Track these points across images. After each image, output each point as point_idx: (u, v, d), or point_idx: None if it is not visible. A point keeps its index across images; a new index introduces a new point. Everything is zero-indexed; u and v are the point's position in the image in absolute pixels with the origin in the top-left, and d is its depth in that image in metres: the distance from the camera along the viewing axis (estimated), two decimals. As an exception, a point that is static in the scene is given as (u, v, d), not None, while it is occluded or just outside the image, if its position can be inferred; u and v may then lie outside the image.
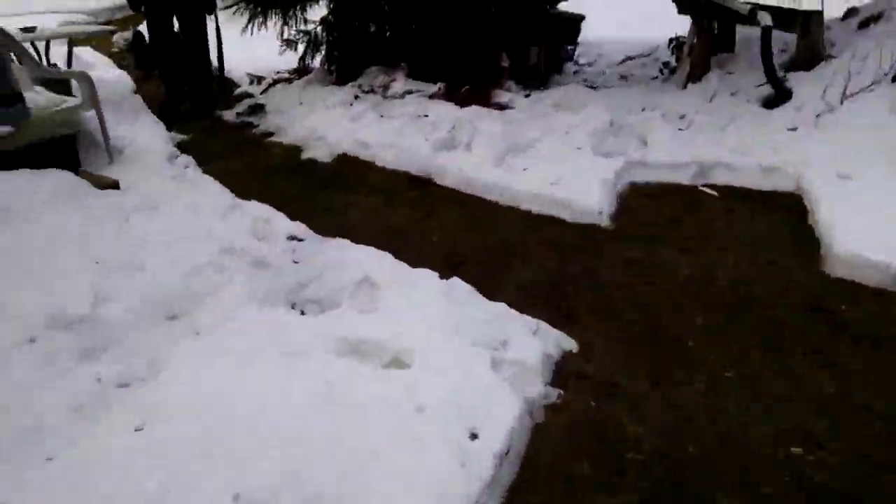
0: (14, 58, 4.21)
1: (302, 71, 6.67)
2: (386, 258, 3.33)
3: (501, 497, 2.06)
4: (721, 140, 4.44)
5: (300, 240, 3.64)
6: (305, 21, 6.44)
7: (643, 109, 5.11)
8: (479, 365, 2.45)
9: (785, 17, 4.99)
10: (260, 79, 6.98)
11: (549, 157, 4.41)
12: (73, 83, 5.55)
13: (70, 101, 4.67)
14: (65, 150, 4.05)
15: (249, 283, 3.15)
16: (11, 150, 3.84)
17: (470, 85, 5.58)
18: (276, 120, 5.79)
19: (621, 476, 2.12)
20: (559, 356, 2.66)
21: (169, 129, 5.70)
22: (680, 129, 4.71)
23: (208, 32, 6.20)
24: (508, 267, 3.39)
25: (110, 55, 8.33)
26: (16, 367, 2.56)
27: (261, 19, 6.21)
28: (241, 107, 6.15)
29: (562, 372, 2.57)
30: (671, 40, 6.12)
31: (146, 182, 4.29)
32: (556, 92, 5.53)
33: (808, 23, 4.95)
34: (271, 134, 5.60)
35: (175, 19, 6.02)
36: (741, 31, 5.58)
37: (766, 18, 4.62)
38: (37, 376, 2.53)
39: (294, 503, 1.93)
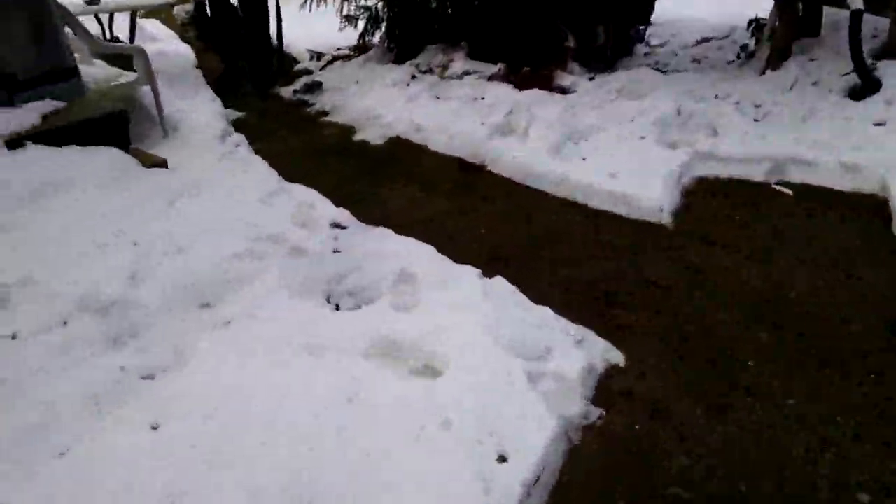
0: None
1: (362, 48, 6.54)
2: (428, 251, 3.18)
3: (527, 530, 1.90)
4: (799, 133, 4.08)
5: (343, 227, 3.51)
6: (364, -5, 6.29)
7: (715, 97, 4.77)
8: (515, 377, 2.28)
9: (877, 0, 4.56)
10: (320, 55, 6.89)
11: (610, 147, 4.16)
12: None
13: (126, 77, 4.66)
14: (116, 126, 4.02)
15: (286, 272, 3.05)
16: (63, 125, 3.83)
17: (531, 66, 5.33)
18: (332, 98, 5.67)
19: (663, 514, 1.92)
20: (604, 370, 2.45)
21: (226, 105, 5.67)
22: (755, 120, 4.37)
23: (268, 8, 6.13)
24: (557, 266, 3.18)
25: (176, 28, 8.39)
26: (42, 351, 2.53)
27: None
28: (299, 84, 6.06)
29: (606, 389, 2.37)
30: (751, 21, 5.70)
31: (195, 161, 4.25)
32: (622, 75, 5.22)
33: (904, 6, 4.52)
34: (326, 113, 5.49)
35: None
36: (828, 13, 5.13)
37: (856, 1, 4.21)
38: (61, 362, 2.49)
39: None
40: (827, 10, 5.09)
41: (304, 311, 2.78)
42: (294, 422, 2.13)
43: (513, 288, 2.86)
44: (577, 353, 2.45)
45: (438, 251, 3.24)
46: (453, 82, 5.30)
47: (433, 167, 4.36)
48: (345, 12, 6.31)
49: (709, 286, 2.97)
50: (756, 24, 5.63)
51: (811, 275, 2.99)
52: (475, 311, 2.66)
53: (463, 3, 6.04)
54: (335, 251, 3.29)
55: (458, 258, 3.17)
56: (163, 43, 7.49)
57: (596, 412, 2.25)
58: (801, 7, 5.11)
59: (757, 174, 3.90)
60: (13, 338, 2.56)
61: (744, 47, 5.64)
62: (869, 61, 4.36)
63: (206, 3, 6.28)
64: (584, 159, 4.11)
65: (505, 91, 4.93)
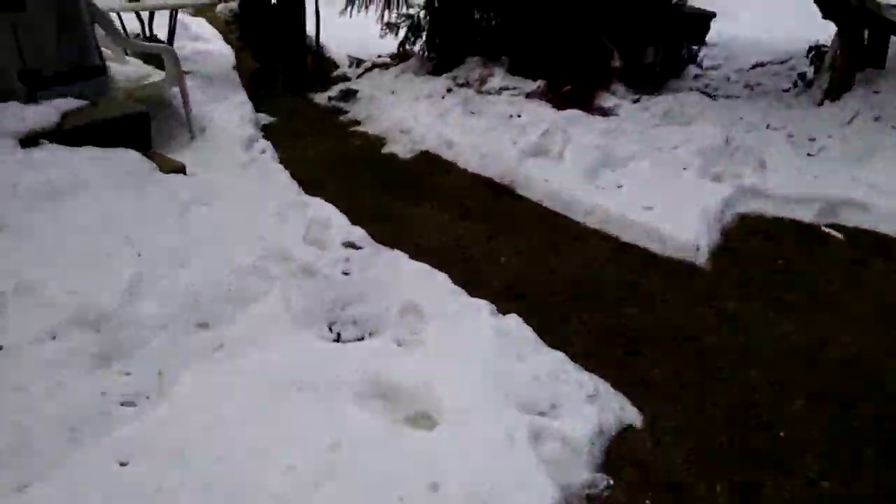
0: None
1: (402, 56, 6.38)
2: (441, 280, 2.99)
3: None
4: (856, 172, 3.79)
5: (357, 247, 3.34)
6: (407, 4, 6.12)
7: (767, 127, 4.49)
8: (517, 436, 2.07)
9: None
10: (360, 61, 6.75)
11: (648, 176, 3.92)
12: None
13: (157, 76, 4.57)
14: (137, 128, 3.93)
15: (291, 294, 2.88)
16: (82, 125, 3.74)
17: (573, 85, 5.10)
18: (366, 107, 5.53)
19: None
20: (617, 431, 2.23)
21: (258, 108, 5.56)
22: (808, 155, 4.08)
23: (306, 11, 6.03)
24: (579, 305, 2.95)
25: (221, 27, 8.36)
26: (27, 367, 2.40)
27: (361, 0, 5.93)
28: (335, 90, 5.93)
29: (617, 454, 2.14)
30: (811, 48, 5.37)
31: (215, 167, 4.14)
32: (668, 99, 4.97)
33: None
34: (358, 122, 5.34)
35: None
36: (895, 43, 4.82)
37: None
38: (44, 381, 2.35)
39: None
40: (894, 39, 4.76)
41: (302, 340, 2.61)
42: (264, 482, 1.93)
43: (527, 328, 2.65)
44: (588, 409, 2.23)
45: (454, 279, 3.05)
46: (489, 98, 5.10)
47: (460, 186, 4.16)
48: (386, 20, 6.15)
49: (743, 339, 2.72)
50: (816, 51, 5.31)
51: (858, 333, 2.71)
52: (482, 352, 2.46)
53: (507, 16, 5.84)
54: (345, 273, 3.12)
55: (474, 289, 2.98)
56: (205, 42, 7.45)
57: (603, 481, 2.03)
58: (866, 35, 4.79)
59: (806, 215, 3.63)
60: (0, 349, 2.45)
61: (802, 75, 5.32)
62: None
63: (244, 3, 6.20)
64: (619, 187, 3.88)
65: (542, 110, 4.72)
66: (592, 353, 2.63)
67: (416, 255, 3.30)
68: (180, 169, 3.87)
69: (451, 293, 2.90)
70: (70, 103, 3.80)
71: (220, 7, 7.52)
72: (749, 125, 4.49)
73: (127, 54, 4.92)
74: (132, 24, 6.24)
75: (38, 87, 3.77)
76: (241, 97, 5.65)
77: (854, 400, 2.37)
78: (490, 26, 5.95)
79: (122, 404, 2.31)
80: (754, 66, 6.33)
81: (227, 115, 5.10)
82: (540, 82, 5.21)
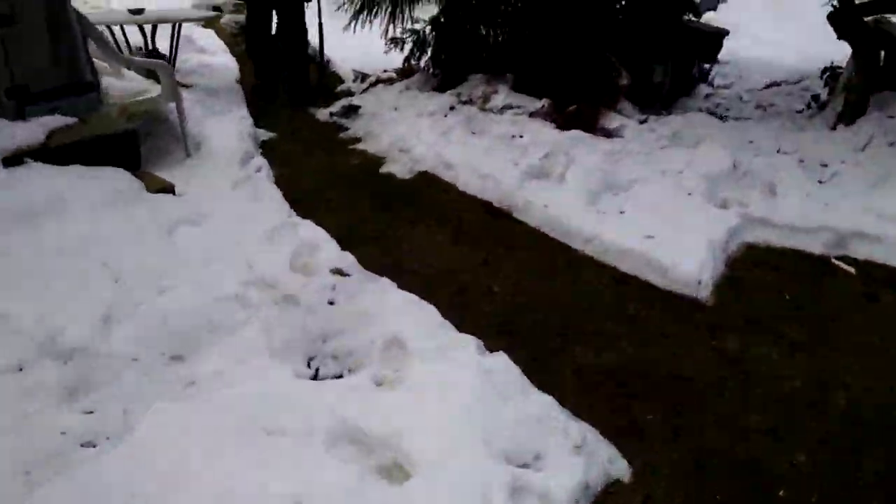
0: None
1: (407, 71, 6.28)
2: (429, 313, 2.86)
3: None
4: (869, 201, 3.63)
5: (345, 274, 3.21)
6: (412, 19, 6.02)
7: (778, 151, 4.33)
8: (494, 492, 1.93)
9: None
10: (365, 76, 6.66)
11: (652, 201, 3.77)
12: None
13: (152, 92, 4.49)
14: (126, 146, 3.85)
15: (272, 325, 2.77)
16: (69, 143, 3.66)
17: (578, 103, 4.97)
18: (367, 124, 5.42)
19: None
20: (603, 486, 2.08)
21: (258, 123, 5.48)
22: (819, 182, 3.92)
23: (305, 22, 5.96)
24: (573, 340, 2.81)
25: (228, 39, 8.31)
26: (-13, 402, 2.30)
27: (366, 15, 5.83)
28: (337, 106, 5.84)
29: (602, 512, 2.00)
30: (825, 69, 5.21)
31: (207, 186, 4.04)
32: (676, 120, 4.82)
33: None
34: (358, 140, 5.23)
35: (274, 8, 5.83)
36: (914, 65, 4.66)
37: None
38: (6, 417, 2.25)
39: None
40: (912, 62, 4.60)
41: (278, 377, 2.49)
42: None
43: (514, 367, 2.51)
44: (573, 462, 2.09)
45: (444, 309, 2.93)
46: (492, 116, 4.98)
47: (458, 210, 4.04)
48: (390, 34, 6.06)
49: (744, 381, 2.56)
50: (831, 72, 5.15)
51: (869, 375, 2.56)
52: (465, 394, 2.32)
53: (513, 32, 5.73)
54: (330, 302, 3.00)
55: (464, 320, 2.86)
56: (210, 55, 7.39)
57: (585, 544, 1.89)
58: (882, 57, 4.63)
59: (815, 246, 3.47)
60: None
61: (815, 97, 5.16)
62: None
63: (246, 16, 6.13)
64: (622, 213, 3.74)
65: (545, 130, 4.58)
66: (584, 394, 2.49)
67: (406, 281, 3.19)
68: (169, 188, 3.78)
69: (439, 326, 2.77)
70: (58, 120, 3.72)
71: (225, 18, 7.46)
72: (759, 149, 4.33)
73: (129, 69, 4.85)
74: (135, 38, 6.18)
75: (27, 103, 3.69)
76: (242, 112, 5.57)
77: (861, 448, 2.21)
78: (496, 42, 5.83)
79: (81, 445, 2.20)
80: (767, 86, 6.19)
81: (226, 130, 5.00)
82: (544, 101, 5.08)
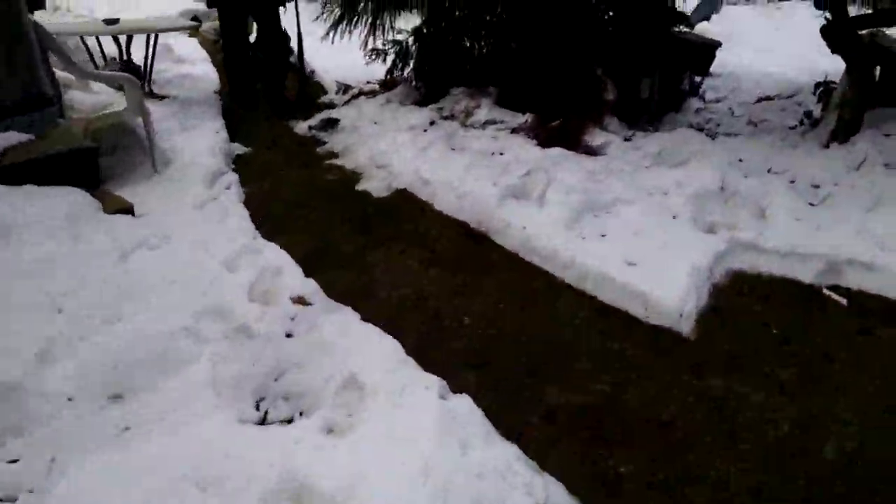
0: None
1: (389, 84, 6.11)
2: (391, 349, 2.68)
3: None
4: (862, 226, 3.45)
5: (307, 303, 3.04)
6: (393, 30, 5.84)
7: (768, 170, 4.15)
8: (443, 561, 1.74)
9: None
10: (347, 88, 6.50)
11: (635, 224, 3.59)
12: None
13: (118, 105, 4.32)
14: (84, 164, 3.67)
15: (222, 360, 2.59)
16: (23, 161, 3.48)
17: (563, 119, 4.79)
18: (345, 139, 5.25)
19: None
20: (567, 553, 1.89)
21: (234, 137, 5.31)
22: (810, 204, 3.74)
23: (282, 30, 5.83)
24: (544, 377, 2.63)
25: (211, 48, 8.15)
26: None
27: (345, 25, 5.66)
28: (316, 119, 5.67)
29: (564, 583, 1.81)
30: (818, 84, 5.05)
31: (170, 206, 3.87)
32: (662, 137, 4.65)
33: None
34: (336, 155, 5.06)
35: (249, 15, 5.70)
36: (910, 82, 4.49)
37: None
38: (-84, 469, 2.07)
39: None
40: (908, 78, 4.43)
41: (221, 421, 2.30)
42: None
43: (478, 412, 2.33)
44: (534, 525, 1.90)
45: (410, 342, 2.78)
46: (473, 132, 4.81)
47: (434, 231, 3.86)
48: (370, 45, 5.88)
49: (727, 427, 2.38)
50: (824, 87, 4.98)
51: (860, 421, 2.37)
52: (423, 443, 2.14)
53: (498, 45, 5.56)
54: (288, 335, 2.83)
55: (430, 354, 2.71)
56: (189, 65, 7.23)
57: None
58: (877, 73, 4.47)
59: (806, 274, 3.29)
60: None
61: (808, 113, 4.99)
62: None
63: (220, 26, 5.98)
64: (603, 236, 3.56)
65: (526, 147, 4.41)
66: (554, 441, 2.31)
67: (374, 310, 3.03)
68: (128, 209, 3.60)
69: (400, 364, 2.58)
70: (13, 137, 3.55)
71: (205, 26, 7.29)
72: (749, 168, 4.16)
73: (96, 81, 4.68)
74: (110, 48, 6.02)
75: (-19, 119, 3.52)
76: (217, 124, 5.40)
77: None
78: (480, 55, 5.67)
79: (1, 500, 2.01)
80: (760, 100, 6.01)
81: (198, 145, 4.83)
82: (528, 115, 4.92)
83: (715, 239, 3.46)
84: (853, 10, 4.80)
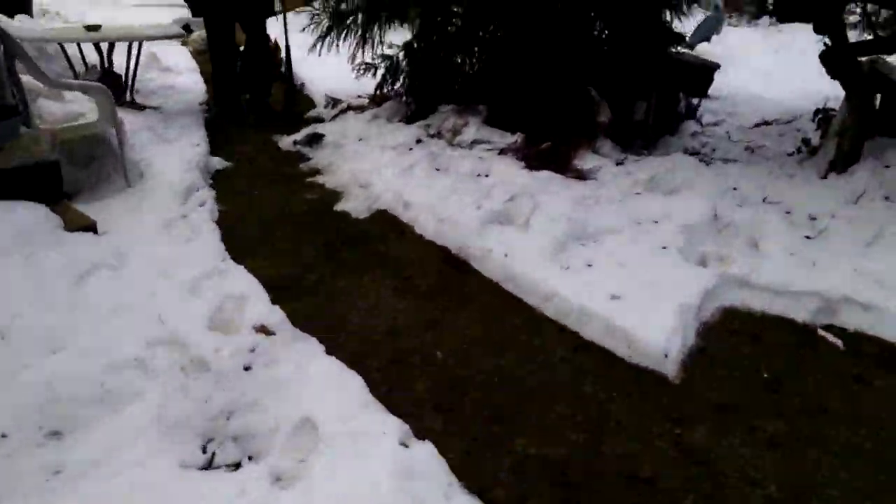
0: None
1: (379, 99, 5.96)
2: (353, 387, 2.50)
3: None
4: (860, 263, 3.29)
5: (270, 333, 2.86)
6: (383, 44, 5.69)
7: (764, 200, 3.99)
8: None
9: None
10: (336, 102, 6.34)
11: (622, 255, 3.42)
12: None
13: (90, 115, 4.15)
14: (46, 177, 3.50)
15: (171, 396, 2.41)
16: (-17, 173, 3.31)
17: (553, 140, 4.63)
18: (329, 155, 5.09)
19: None
20: None
21: (216, 151, 5.16)
22: (807, 237, 3.58)
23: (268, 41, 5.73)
24: (516, 424, 2.45)
25: (198, 58, 8.01)
26: None
27: (334, 37, 5.50)
28: (301, 134, 5.50)
29: None
30: (817, 111, 4.89)
31: (136, 224, 3.69)
32: (654, 162, 4.48)
33: None
34: (318, 172, 4.90)
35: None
36: (912, 111, 4.33)
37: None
38: None
39: None
40: (910, 108, 4.28)
41: (162, 466, 2.12)
42: None
43: (441, 465, 2.15)
44: None
45: (376, 379, 2.63)
46: (459, 152, 4.64)
47: (413, 257, 3.68)
48: (359, 60, 5.73)
49: (708, 486, 2.19)
50: (824, 114, 4.82)
51: (855, 480, 2.19)
52: (377, 498, 1.96)
53: (490, 61, 5.41)
54: (246, 368, 2.64)
55: (396, 394, 2.55)
56: (175, 75, 7.09)
57: None
58: (878, 101, 4.31)
59: (800, 313, 3.12)
60: None
61: (806, 141, 4.83)
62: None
63: (206, 35, 5.86)
64: (589, 266, 3.39)
65: (513, 170, 4.25)
66: (521, 498, 2.12)
67: (341, 343, 2.87)
68: (90, 227, 3.43)
69: (361, 406, 2.40)
70: (-31, 149, 3.38)
71: (194, 35, 7.15)
72: (743, 197, 3.99)
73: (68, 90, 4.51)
74: (94, 56, 5.86)
75: (-63, 130, 3.35)
76: (198, 137, 5.24)
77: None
78: (471, 72, 5.51)
79: None
80: (758, 125, 5.85)
81: (175, 159, 4.67)
82: (517, 136, 4.76)
83: (705, 273, 3.29)
84: (853, 36, 4.64)
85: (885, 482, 2.20)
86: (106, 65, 5.56)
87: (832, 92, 5.02)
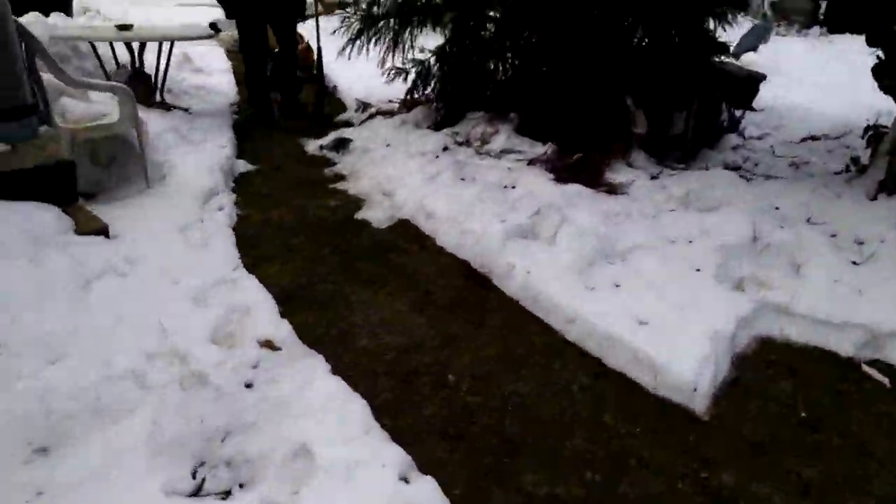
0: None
1: (410, 104, 5.83)
2: (355, 411, 2.37)
3: None
4: (912, 293, 3.04)
5: (275, 348, 2.74)
6: (413, 48, 5.56)
7: (807, 220, 3.75)
8: None
9: None
10: (367, 106, 6.24)
11: (652, 276, 3.23)
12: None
13: (113, 115, 4.09)
14: (60, 178, 3.44)
15: (165, 413, 2.30)
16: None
17: (584, 152, 4.44)
18: (355, 161, 4.98)
19: None
20: None
21: (242, 153, 5.09)
22: (853, 263, 3.34)
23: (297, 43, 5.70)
24: (527, 460, 2.28)
25: (233, 57, 7.99)
26: None
27: (364, 40, 5.39)
28: (329, 138, 5.41)
29: None
30: (868, 127, 4.61)
31: (150, 228, 3.61)
32: (691, 177, 4.27)
33: None
34: (343, 178, 4.79)
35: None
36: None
37: None
38: None
39: None
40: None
41: (148, 491, 2.01)
42: None
43: (442, 501, 1.99)
44: None
45: (382, 403, 2.50)
46: (487, 161, 4.49)
47: (432, 270, 3.54)
48: (390, 64, 5.61)
49: (737, 538, 2.00)
50: (874, 131, 4.54)
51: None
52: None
53: (523, 68, 5.24)
54: (247, 385, 2.52)
55: (400, 422, 2.38)
56: (207, 76, 7.07)
57: None
58: (934, 118, 4.04)
59: (843, 345, 2.90)
60: None
61: (855, 159, 4.55)
62: None
63: (239, 37, 5.84)
64: (617, 286, 3.20)
65: (541, 182, 4.07)
66: (526, 543, 1.96)
67: (349, 361, 2.74)
68: (102, 230, 3.35)
69: (363, 432, 2.26)
70: (-17, 149, 3.33)
71: (223, 34, 7.12)
72: (785, 217, 3.76)
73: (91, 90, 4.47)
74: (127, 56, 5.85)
75: (-47, 129, 3.31)
76: (224, 139, 5.18)
77: None
78: (503, 78, 5.35)
79: None
80: (804, 140, 5.57)
81: (198, 161, 4.60)
82: (548, 146, 4.58)
83: (741, 298, 3.08)
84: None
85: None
86: (136, 64, 5.52)
87: (885, 107, 4.74)
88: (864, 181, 4.14)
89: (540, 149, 4.58)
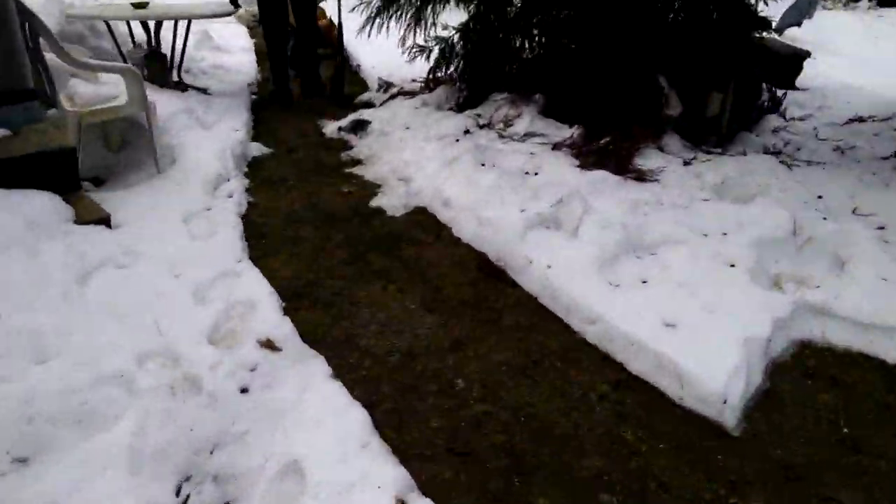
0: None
1: (433, 84, 5.60)
2: (354, 422, 2.21)
3: None
4: (970, 294, 2.77)
5: (275, 349, 2.59)
6: (435, 26, 5.32)
7: (853, 211, 3.48)
8: None
9: None
10: (389, 86, 6.03)
11: (681, 273, 3.00)
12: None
13: (118, 100, 3.96)
14: (61, 165, 3.31)
15: (151, 421, 2.16)
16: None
17: (613, 135, 4.19)
18: (373, 144, 4.79)
19: None
20: None
21: (257, 136, 4.94)
22: (903, 259, 3.06)
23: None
24: (538, 481, 2.09)
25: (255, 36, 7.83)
26: None
27: (385, 17, 5.17)
28: (347, 119, 5.22)
29: None
30: (922, 108, 4.29)
31: (156, 216, 3.48)
32: (728, 163, 3.99)
33: None
34: (359, 162, 4.61)
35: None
36: None
37: None
38: None
39: None
40: None
41: (125, 510, 1.87)
42: None
43: (439, 530, 1.83)
44: None
45: (384, 412, 2.36)
46: (510, 145, 4.25)
47: (447, 263, 3.35)
48: (411, 42, 5.38)
49: (768, 576, 1.80)
50: (928, 113, 4.21)
51: None
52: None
53: (551, 46, 4.98)
54: (242, 390, 2.37)
55: (402, 434, 2.21)
56: (227, 54, 6.91)
57: None
58: None
59: (890, 352, 2.66)
60: None
61: (906, 143, 4.24)
62: None
63: (259, 15, 5.70)
64: (644, 282, 2.98)
65: (564, 168, 3.84)
66: (532, 577, 1.78)
67: (352, 364, 2.59)
68: (103, 220, 3.23)
69: (360, 446, 2.10)
70: (-19, 134, 3.22)
71: (241, 11, 6.95)
72: (829, 208, 3.49)
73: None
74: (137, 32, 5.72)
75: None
76: (240, 122, 5.03)
77: None
78: (529, 57, 5.10)
79: None
80: (850, 121, 5.23)
81: (211, 144, 4.45)
82: (575, 129, 4.33)
83: (779, 298, 2.84)
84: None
85: None
86: (153, 43, 5.38)
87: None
88: (916, 168, 3.84)
89: (566, 132, 4.33)
